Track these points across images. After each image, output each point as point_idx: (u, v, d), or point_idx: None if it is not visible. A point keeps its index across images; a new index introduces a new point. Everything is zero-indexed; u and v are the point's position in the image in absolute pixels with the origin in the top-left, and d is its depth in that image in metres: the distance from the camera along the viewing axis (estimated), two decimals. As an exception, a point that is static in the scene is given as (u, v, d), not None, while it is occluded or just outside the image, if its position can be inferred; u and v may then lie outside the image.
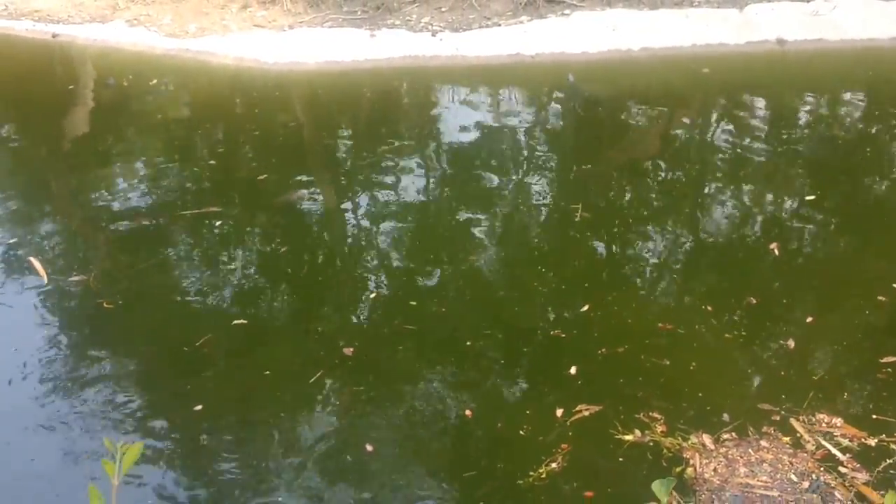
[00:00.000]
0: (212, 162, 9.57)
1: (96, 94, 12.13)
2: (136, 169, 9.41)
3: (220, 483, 5.11)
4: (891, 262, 7.00)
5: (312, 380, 5.85)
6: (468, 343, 6.18)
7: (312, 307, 6.80)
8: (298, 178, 8.93)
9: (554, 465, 5.06)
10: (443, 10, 13.13)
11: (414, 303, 6.68)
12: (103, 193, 8.75)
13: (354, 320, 6.58)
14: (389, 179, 8.91)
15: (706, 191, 8.47)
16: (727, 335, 6.13)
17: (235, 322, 6.55)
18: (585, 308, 6.45)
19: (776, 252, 7.14)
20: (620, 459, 5.10)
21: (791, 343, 6.02)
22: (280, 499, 4.97)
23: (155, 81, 12.10)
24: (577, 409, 5.48)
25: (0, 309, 6.81)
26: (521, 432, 5.35)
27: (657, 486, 2.14)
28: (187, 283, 7.13)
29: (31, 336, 6.42)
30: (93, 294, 6.93)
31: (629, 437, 5.23)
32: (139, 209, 8.35)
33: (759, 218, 7.84)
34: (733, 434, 5.25)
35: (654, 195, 8.34)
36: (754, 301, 6.47)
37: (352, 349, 6.16)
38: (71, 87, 12.30)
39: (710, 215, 7.91)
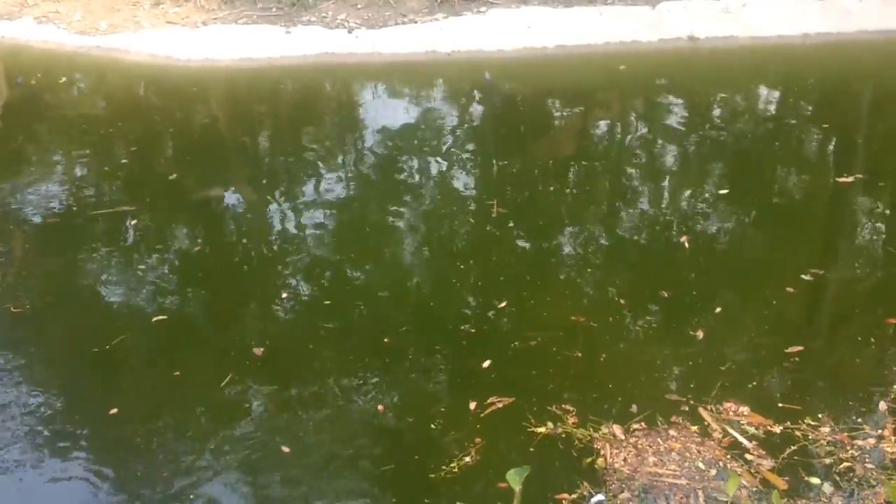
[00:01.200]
0: (124, 161, 9.39)
1: (4, 92, 11.84)
2: (46, 168, 9.21)
3: (134, 489, 5.01)
4: (800, 254, 7.16)
5: (223, 383, 5.76)
6: (385, 340, 6.16)
7: (225, 307, 6.72)
8: (214, 175, 8.83)
9: (467, 458, 5.08)
10: (359, 7, 13.08)
11: (328, 302, 6.65)
12: (11, 193, 8.53)
13: (267, 320, 6.52)
14: (305, 177, 8.87)
15: (621, 186, 8.56)
16: (638, 327, 6.21)
17: (156, 319, 6.48)
18: (500, 303, 6.48)
19: (687, 245, 7.25)
20: (532, 450, 5.13)
21: (700, 334, 6.11)
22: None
23: (65, 79, 11.86)
24: (490, 401, 5.50)
25: None
26: (434, 427, 5.36)
27: (511, 475, 2.16)
28: (99, 283, 6.99)
29: None
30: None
31: (542, 430, 5.26)
32: (48, 209, 8.18)
33: (672, 212, 7.96)
34: (643, 424, 5.32)
35: (569, 191, 8.42)
36: (665, 294, 6.56)
37: (262, 349, 6.10)
38: (-23, 85, 12.00)
39: (624, 210, 8.00)
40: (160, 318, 6.53)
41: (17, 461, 5.19)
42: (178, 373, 5.92)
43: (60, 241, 7.59)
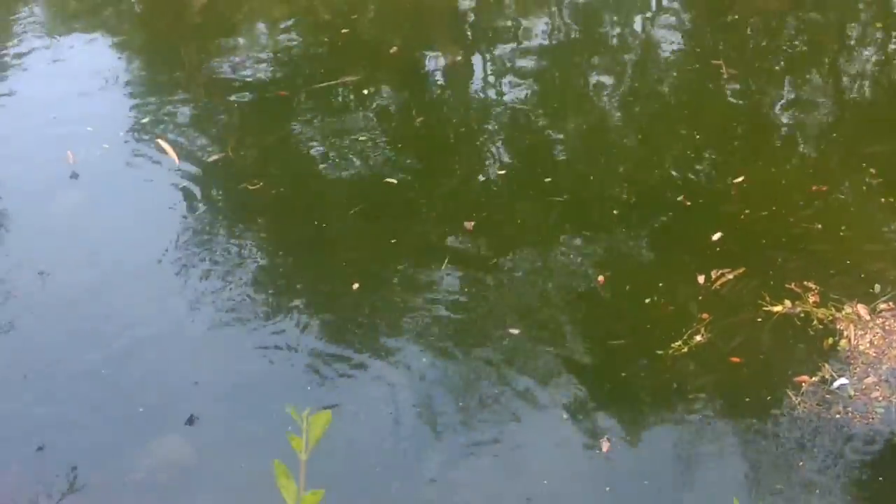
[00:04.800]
0: (344, 31, 9.19)
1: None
2: (265, 38, 9.19)
3: (358, 372, 5.03)
4: None
5: (443, 266, 5.61)
6: (614, 212, 5.90)
7: (441, 179, 6.58)
8: (431, 43, 8.61)
9: (697, 336, 4.84)
10: None
11: (549, 179, 6.30)
12: (232, 66, 8.53)
13: (480, 191, 6.33)
14: (519, 39, 8.51)
15: (865, 40, 7.82)
16: (886, 199, 5.70)
17: (387, 180, 6.43)
18: (734, 171, 6.07)
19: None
20: (767, 329, 4.84)
21: (957, 204, 5.57)
22: (427, 380, 4.90)
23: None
24: (720, 273, 5.20)
25: (138, 196, 6.58)
26: (661, 301, 5.13)
27: None
28: (326, 156, 6.90)
29: (172, 223, 6.20)
30: (232, 175, 6.70)
31: (778, 308, 4.93)
32: (271, 81, 8.12)
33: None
34: (891, 304, 4.91)
35: (805, 48, 7.78)
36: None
37: (472, 223, 5.91)
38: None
39: (872, 68, 7.31)
40: (390, 180, 6.43)
41: (273, 333, 5.32)
42: (394, 240, 5.87)
43: (285, 113, 7.54)
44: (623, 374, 4.77)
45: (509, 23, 8.96)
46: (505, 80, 7.81)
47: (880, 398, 4.42)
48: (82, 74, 8.28)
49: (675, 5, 8.90)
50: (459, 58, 8.34)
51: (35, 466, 4.51)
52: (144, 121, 7.54)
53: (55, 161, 6.81)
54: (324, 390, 4.87)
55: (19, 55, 8.86)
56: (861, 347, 4.67)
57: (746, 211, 5.70)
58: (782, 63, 7.55)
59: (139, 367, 5.08)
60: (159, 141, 7.06)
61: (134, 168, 6.88)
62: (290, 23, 9.33)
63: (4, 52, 9.00)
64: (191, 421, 4.64)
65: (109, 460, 4.53)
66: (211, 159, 6.90)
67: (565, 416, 4.57)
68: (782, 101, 6.97)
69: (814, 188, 5.82)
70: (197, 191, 6.59)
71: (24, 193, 6.63)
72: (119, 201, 6.56)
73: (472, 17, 9.38)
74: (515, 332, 5.06)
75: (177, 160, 6.82)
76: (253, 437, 4.58)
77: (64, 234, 6.19)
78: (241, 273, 5.71)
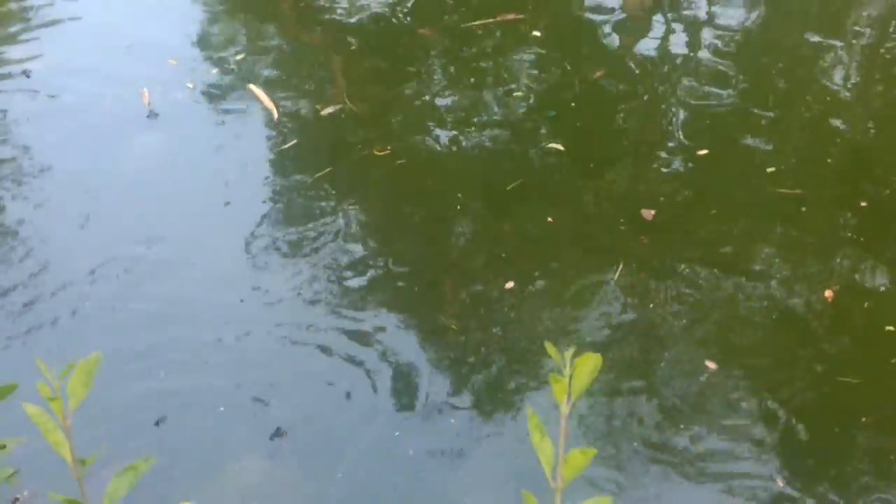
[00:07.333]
0: None
1: None
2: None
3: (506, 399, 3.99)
4: None
5: (617, 273, 4.50)
6: (850, 212, 4.74)
7: (620, 151, 5.46)
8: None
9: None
10: None
11: (772, 168, 5.13)
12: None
13: (667, 170, 5.21)
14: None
15: None
16: None
17: (549, 145, 5.37)
18: None
19: None
20: None
21: None
22: (596, 419, 3.87)
23: None
24: None
25: (230, 149, 5.52)
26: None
27: None
28: (472, 114, 5.77)
29: (270, 189, 5.20)
30: (352, 133, 5.60)
31: None
32: (405, 16, 6.89)
33: None
34: None
35: None
36: None
37: (653, 212, 4.83)
38: None
39: None
40: (555, 146, 5.36)
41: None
42: (550, 218, 4.83)
43: (425, 60, 6.41)
44: (863, 419, 3.71)
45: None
46: (707, 32, 6.52)
47: None
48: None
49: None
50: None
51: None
52: (238, 58, 6.44)
53: (130, 99, 5.90)
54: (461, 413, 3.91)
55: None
56: None
57: None
58: None
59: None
60: (251, 87, 6.02)
61: (225, 113, 5.85)
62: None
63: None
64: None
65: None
66: (325, 112, 5.79)
67: (780, 481, 3.52)
68: None
69: None
70: (299, 150, 5.52)
71: (97, 134, 5.66)
72: (205, 154, 5.51)
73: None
74: (712, 366, 3.97)
75: (276, 112, 5.77)
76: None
77: (134, 190, 5.22)
78: (369, 266, 4.66)
